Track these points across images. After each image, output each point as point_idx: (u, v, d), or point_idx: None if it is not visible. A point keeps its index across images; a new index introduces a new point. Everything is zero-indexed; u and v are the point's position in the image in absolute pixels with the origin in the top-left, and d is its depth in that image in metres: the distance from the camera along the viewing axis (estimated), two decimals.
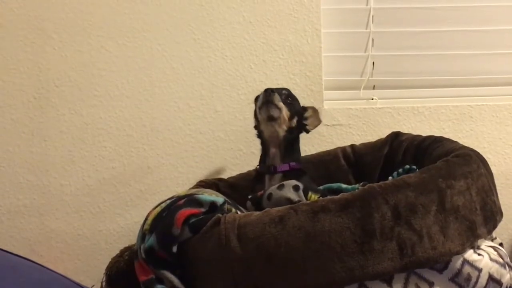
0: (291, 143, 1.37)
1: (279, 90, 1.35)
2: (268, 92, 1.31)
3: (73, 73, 1.65)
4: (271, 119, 1.32)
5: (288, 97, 1.37)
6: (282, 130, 1.33)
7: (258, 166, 1.39)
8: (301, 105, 1.42)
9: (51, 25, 1.64)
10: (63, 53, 1.64)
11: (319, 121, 1.42)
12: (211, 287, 1.01)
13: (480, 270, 1.01)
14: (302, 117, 1.40)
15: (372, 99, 1.75)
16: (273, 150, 1.35)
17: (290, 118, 1.34)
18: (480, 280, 1.00)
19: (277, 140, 1.34)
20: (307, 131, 1.41)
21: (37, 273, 1.03)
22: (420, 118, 1.70)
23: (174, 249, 1.04)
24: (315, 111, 1.42)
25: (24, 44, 1.64)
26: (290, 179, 1.24)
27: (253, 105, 1.60)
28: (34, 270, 1.04)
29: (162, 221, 1.07)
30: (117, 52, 1.65)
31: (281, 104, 1.31)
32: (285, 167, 1.33)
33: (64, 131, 1.66)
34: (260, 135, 1.39)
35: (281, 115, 1.32)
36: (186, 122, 1.67)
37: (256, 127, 1.41)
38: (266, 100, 1.31)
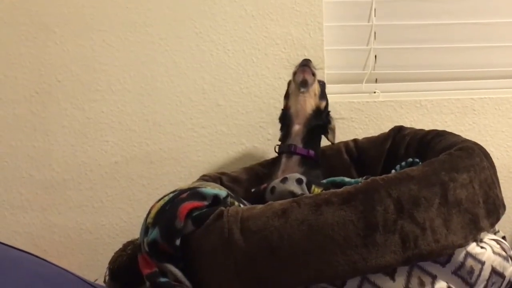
0: (315, 129, 1.37)
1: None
2: (306, 59, 1.37)
3: (75, 68, 1.65)
4: (304, 84, 1.33)
5: (320, 81, 1.41)
6: (310, 104, 1.35)
7: (276, 146, 1.38)
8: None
9: (53, 20, 1.64)
10: (65, 48, 1.64)
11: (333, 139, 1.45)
12: (214, 280, 1.01)
13: (483, 263, 1.01)
14: (329, 115, 1.42)
15: (375, 92, 1.75)
16: (296, 128, 1.35)
17: (320, 98, 1.36)
18: (483, 273, 1.00)
19: (303, 116, 1.35)
20: (326, 133, 1.42)
21: (40, 268, 1.03)
22: (423, 111, 1.70)
23: (177, 242, 1.04)
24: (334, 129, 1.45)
25: (26, 38, 1.64)
26: (307, 166, 1.26)
27: (256, 98, 1.61)
28: (37, 265, 1.04)
29: (165, 215, 1.07)
30: (119, 46, 1.65)
31: (316, 72, 1.36)
32: (304, 151, 1.32)
33: (66, 125, 1.66)
34: (285, 114, 1.39)
35: (314, 84, 1.34)
36: (188, 116, 1.67)
37: (283, 109, 1.42)
38: (304, 63, 1.36)
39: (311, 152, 1.33)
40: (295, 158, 1.31)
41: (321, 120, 1.38)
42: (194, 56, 1.66)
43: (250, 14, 1.65)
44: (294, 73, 1.36)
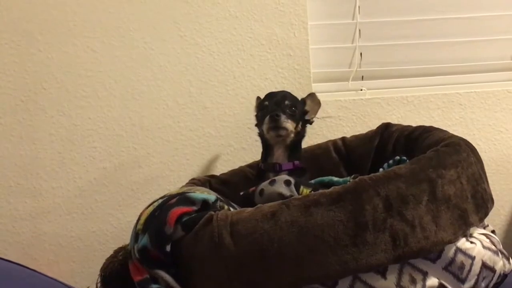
0: (296, 143, 1.37)
1: (280, 103, 1.32)
2: (273, 117, 1.28)
3: (60, 75, 1.64)
4: (280, 136, 1.31)
5: (292, 107, 1.34)
6: (290, 138, 1.33)
7: (261, 164, 1.37)
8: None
9: (35, 27, 1.62)
10: (49, 55, 1.63)
11: (318, 104, 1.41)
12: (206, 285, 1.01)
13: (473, 258, 1.01)
14: (305, 114, 1.39)
15: (361, 90, 1.75)
16: (278, 151, 1.34)
17: (296, 127, 1.34)
18: (473, 268, 1.01)
19: (284, 145, 1.34)
20: (311, 123, 1.41)
21: (30, 279, 1.03)
22: (410, 107, 1.71)
23: (168, 248, 1.04)
24: (312, 96, 1.41)
25: (10, 47, 1.62)
26: (295, 175, 1.25)
27: (242, 100, 1.60)
28: (26, 276, 1.04)
29: (155, 221, 1.06)
30: (104, 52, 1.64)
31: (288, 125, 1.29)
32: (290, 165, 1.32)
33: (53, 133, 1.65)
34: (263, 137, 1.37)
35: (289, 131, 1.31)
36: (176, 120, 1.67)
37: (257, 126, 1.40)
38: (274, 126, 1.29)
39: (296, 162, 1.34)
40: (283, 174, 1.30)
41: (302, 133, 1.38)
42: (180, 59, 1.66)
43: (234, 16, 1.65)
44: (267, 131, 1.30)
